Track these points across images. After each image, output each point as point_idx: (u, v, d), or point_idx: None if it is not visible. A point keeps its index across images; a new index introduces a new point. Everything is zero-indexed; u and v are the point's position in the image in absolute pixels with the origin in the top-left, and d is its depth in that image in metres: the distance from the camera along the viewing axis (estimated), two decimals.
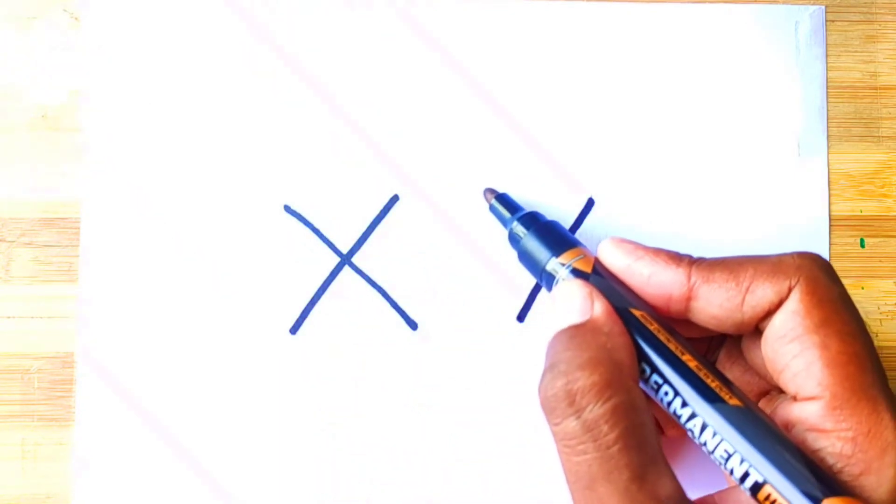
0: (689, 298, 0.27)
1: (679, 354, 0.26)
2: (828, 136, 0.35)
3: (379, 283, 0.34)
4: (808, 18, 0.36)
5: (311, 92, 0.34)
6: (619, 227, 0.34)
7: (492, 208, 0.33)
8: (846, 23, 0.36)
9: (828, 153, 0.35)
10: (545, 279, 0.30)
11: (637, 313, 0.27)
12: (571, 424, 0.25)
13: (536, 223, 0.31)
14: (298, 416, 0.33)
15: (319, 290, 0.34)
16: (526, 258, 0.31)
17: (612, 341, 0.26)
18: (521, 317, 0.34)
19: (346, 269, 0.34)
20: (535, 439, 0.33)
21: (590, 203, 0.35)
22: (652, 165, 0.35)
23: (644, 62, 0.35)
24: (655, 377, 0.26)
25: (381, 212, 0.34)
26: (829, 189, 0.35)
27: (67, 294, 0.33)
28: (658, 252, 0.28)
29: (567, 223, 0.34)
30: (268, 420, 0.33)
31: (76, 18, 0.34)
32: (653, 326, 0.27)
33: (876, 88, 0.36)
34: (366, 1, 0.35)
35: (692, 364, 0.26)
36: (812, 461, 0.24)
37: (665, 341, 0.27)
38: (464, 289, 0.34)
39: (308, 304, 0.34)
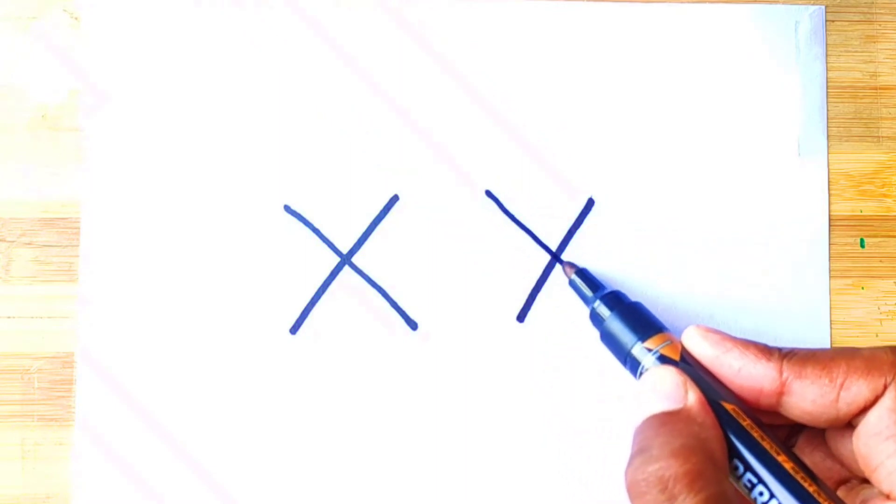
0: (780, 393, 0.26)
1: (774, 455, 0.26)
2: (828, 136, 0.35)
3: (379, 283, 0.34)
4: (808, 18, 0.36)
5: (311, 92, 0.34)
6: (620, 228, 0.34)
7: (572, 283, 0.33)
8: (846, 23, 0.36)
9: (828, 153, 0.35)
10: (630, 363, 0.29)
11: (729, 407, 0.27)
12: None
13: (621, 304, 0.31)
14: (298, 415, 0.33)
15: (319, 290, 0.34)
16: (609, 340, 0.30)
17: (706, 432, 0.26)
18: (521, 317, 0.34)
19: (346, 269, 0.34)
20: (535, 439, 0.33)
21: (590, 203, 0.35)
22: (652, 165, 0.35)
23: (644, 62, 0.35)
24: (749, 476, 0.26)
25: (381, 212, 0.34)
26: (829, 189, 0.35)
27: (67, 294, 0.33)
28: (747, 344, 0.27)
29: (567, 223, 0.34)
30: (268, 420, 0.33)
31: (76, 18, 0.34)
32: (745, 422, 0.26)
33: (876, 88, 0.36)
34: (366, 2, 0.35)
35: (788, 466, 0.26)
36: None
37: (759, 439, 0.26)
38: (464, 289, 0.34)
39: (308, 304, 0.34)
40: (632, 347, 0.29)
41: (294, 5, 0.35)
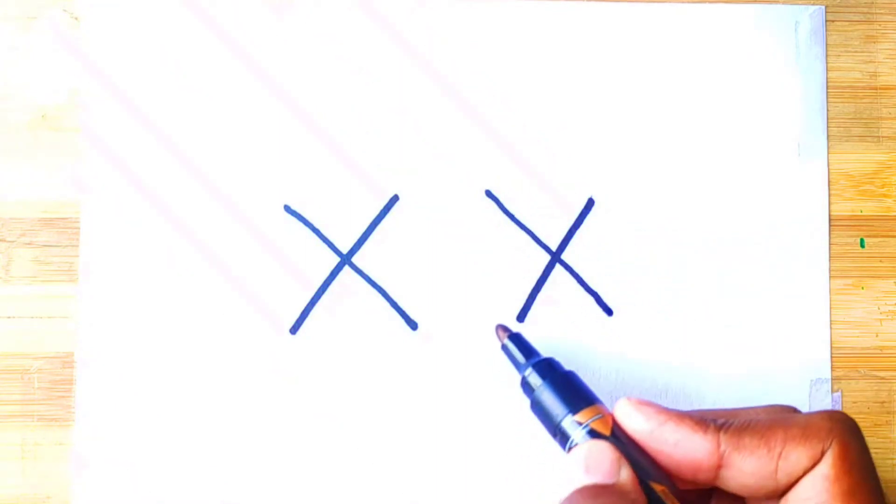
0: (719, 466, 0.26)
1: None
2: (828, 137, 0.35)
3: (379, 283, 0.34)
4: (808, 18, 0.36)
5: (311, 92, 0.34)
6: (620, 228, 0.34)
7: (504, 348, 0.31)
8: (846, 23, 0.36)
9: (828, 153, 0.35)
10: (559, 436, 0.28)
11: (658, 488, 0.26)
12: None
13: (553, 373, 0.29)
14: (298, 415, 0.33)
15: (319, 290, 0.34)
16: (539, 410, 0.29)
17: None
18: (520, 317, 0.34)
19: (346, 269, 0.34)
20: (535, 439, 0.33)
21: (590, 203, 0.35)
22: (652, 165, 0.35)
23: (644, 62, 0.35)
24: None
25: (381, 212, 0.34)
26: (829, 189, 0.35)
27: (67, 294, 0.33)
28: (682, 417, 0.26)
29: (567, 223, 0.34)
30: (268, 420, 0.33)
31: (76, 18, 0.34)
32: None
33: (876, 88, 0.36)
34: (366, 1, 0.35)
35: None
36: None
37: None
38: (464, 289, 0.34)
39: (308, 304, 0.34)
40: (562, 420, 0.28)
41: (294, 5, 0.35)
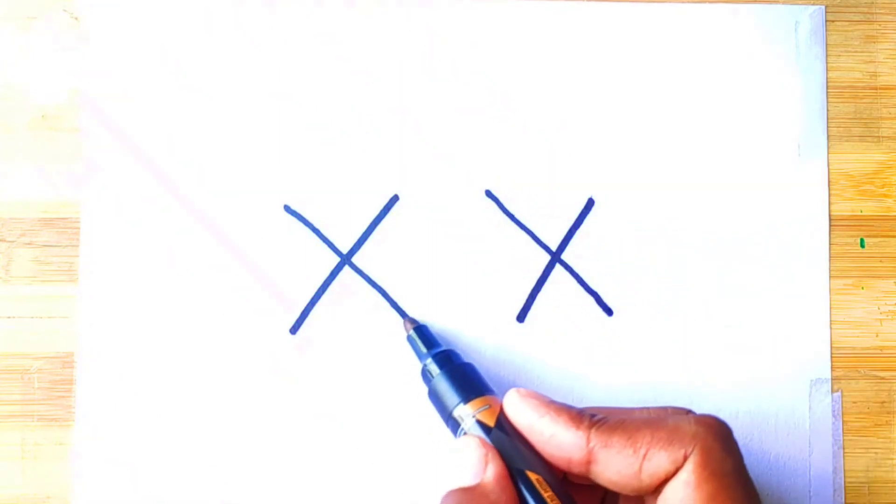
0: (588, 462, 0.26)
1: None
2: (828, 137, 0.35)
3: (379, 283, 0.34)
4: (808, 18, 0.36)
5: (311, 92, 0.34)
6: (620, 228, 0.34)
7: (409, 339, 0.32)
8: (846, 23, 0.36)
9: (828, 153, 0.35)
10: (451, 424, 0.29)
11: (533, 477, 0.27)
12: None
13: (450, 364, 0.30)
14: (298, 415, 0.33)
15: (319, 290, 0.34)
16: (435, 398, 0.30)
17: None
18: (521, 317, 0.34)
19: (346, 269, 0.34)
20: None
21: (590, 203, 0.35)
22: (652, 165, 0.35)
23: (644, 62, 0.35)
24: None
25: (381, 212, 0.34)
26: (829, 189, 0.35)
27: (67, 294, 0.33)
28: (560, 411, 0.27)
29: (567, 223, 0.34)
30: (267, 420, 0.33)
31: (76, 18, 0.34)
32: (547, 493, 0.26)
33: (876, 88, 0.36)
34: (366, 1, 0.35)
35: None
36: None
37: None
38: (464, 289, 0.34)
39: (308, 304, 0.34)
40: (453, 409, 0.29)
41: (294, 5, 0.35)
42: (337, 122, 0.34)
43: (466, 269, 0.34)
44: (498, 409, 0.28)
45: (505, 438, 0.28)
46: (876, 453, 0.34)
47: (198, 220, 0.34)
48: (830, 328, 0.34)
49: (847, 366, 0.34)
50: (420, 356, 0.32)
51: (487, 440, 0.28)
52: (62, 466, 0.33)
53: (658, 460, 0.25)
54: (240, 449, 0.33)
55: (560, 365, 0.34)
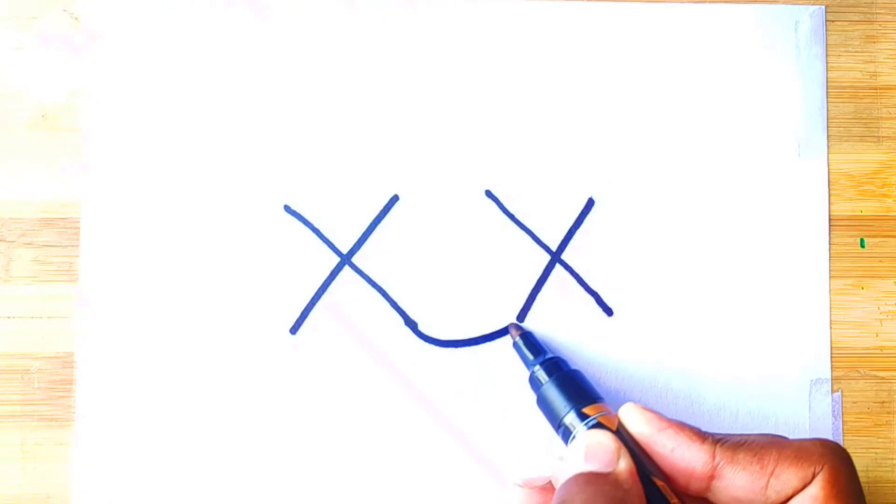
0: (711, 477, 0.27)
1: None
2: (828, 136, 0.35)
3: (379, 283, 0.34)
4: (808, 18, 0.36)
5: (311, 92, 0.34)
6: (620, 228, 0.34)
7: (515, 346, 0.33)
8: (846, 23, 0.36)
9: (828, 153, 0.35)
10: (562, 430, 0.29)
11: (658, 483, 0.27)
12: None
13: (559, 371, 0.31)
14: (298, 415, 0.33)
15: (319, 290, 0.34)
16: (545, 405, 0.30)
17: (629, 499, 0.26)
18: (520, 317, 0.34)
19: (346, 269, 0.34)
20: (536, 439, 0.33)
21: (590, 203, 0.35)
22: (652, 165, 0.35)
23: (644, 62, 0.35)
24: None
25: (381, 212, 0.34)
26: (829, 189, 0.35)
27: (67, 294, 0.33)
28: (682, 426, 0.28)
29: (567, 223, 0.34)
30: (267, 420, 0.33)
31: (76, 18, 0.34)
32: (673, 500, 0.27)
33: (876, 88, 0.36)
34: (365, 1, 0.35)
35: None
36: None
37: None
38: (464, 289, 0.34)
39: (308, 304, 0.34)
40: (565, 415, 0.29)
41: (294, 5, 0.35)
42: (337, 122, 0.34)
43: (466, 269, 0.34)
44: (615, 418, 0.28)
45: (631, 445, 0.28)
46: (876, 453, 0.34)
47: (198, 220, 0.34)
48: (830, 328, 0.34)
49: (847, 366, 0.34)
50: (527, 363, 0.32)
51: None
52: (62, 466, 0.33)
53: (786, 477, 0.26)
54: (240, 449, 0.33)
55: None
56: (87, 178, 0.34)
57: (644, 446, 0.28)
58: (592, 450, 0.27)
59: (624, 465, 0.27)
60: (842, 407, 0.34)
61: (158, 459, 0.33)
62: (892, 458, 0.34)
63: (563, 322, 0.34)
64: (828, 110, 0.35)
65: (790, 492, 0.26)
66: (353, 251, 0.34)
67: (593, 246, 0.34)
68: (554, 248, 0.34)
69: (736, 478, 0.26)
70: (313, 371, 0.33)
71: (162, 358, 0.33)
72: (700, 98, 0.35)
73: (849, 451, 0.34)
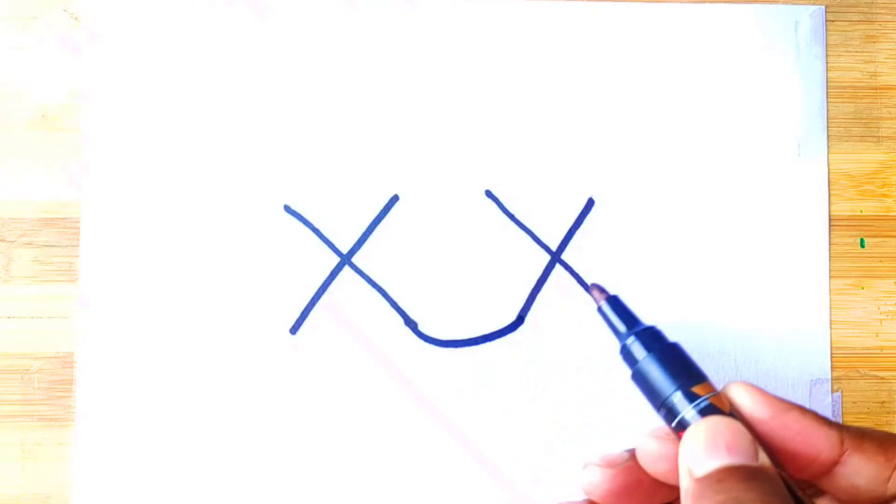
0: (836, 463, 0.26)
1: None
2: (828, 136, 0.35)
3: (379, 283, 0.34)
4: (808, 18, 0.36)
5: (311, 92, 0.34)
6: (620, 228, 0.34)
7: (600, 311, 0.29)
8: (846, 23, 0.36)
9: (828, 153, 0.35)
10: (664, 410, 0.27)
11: (780, 474, 0.25)
12: None
13: (659, 343, 0.27)
14: (298, 415, 0.33)
15: (319, 290, 0.34)
16: (642, 382, 0.27)
17: (783, 494, 0.24)
18: (520, 317, 0.34)
19: (346, 269, 0.34)
20: (536, 439, 0.33)
21: (590, 203, 0.35)
22: (652, 165, 0.35)
23: (644, 62, 0.35)
24: None
25: (381, 212, 0.34)
26: (829, 189, 0.35)
27: (67, 294, 0.33)
28: (804, 408, 0.26)
29: (567, 223, 0.34)
30: (267, 420, 0.33)
31: (76, 18, 0.34)
32: (799, 493, 0.25)
33: (876, 88, 0.36)
34: (365, 1, 0.35)
35: None
36: None
37: None
38: (464, 289, 0.34)
39: (308, 304, 0.34)
40: (671, 394, 0.26)
41: (294, 6, 0.35)
42: (337, 122, 0.34)
43: (466, 269, 0.34)
44: (725, 399, 0.26)
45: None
46: None
47: (198, 220, 0.34)
48: (830, 328, 0.34)
49: (847, 366, 0.34)
50: (618, 335, 0.28)
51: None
52: (62, 466, 0.33)
53: None
54: (240, 449, 0.33)
55: (561, 365, 0.34)
56: (87, 178, 0.34)
57: (761, 429, 0.26)
58: (728, 440, 0.25)
59: (763, 458, 0.25)
60: (842, 407, 0.34)
61: (158, 459, 0.33)
62: None
63: (563, 322, 0.34)
64: (828, 110, 0.35)
65: None
66: (353, 251, 0.34)
67: (593, 246, 0.34)
68: (554, 248, 0.34)
69: (861, 466, 0.26)
70: (313, 371, 0.33)
71: (162, 358, 0.33)
72: (700, 98, 0.35)
73: None
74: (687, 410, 0.26)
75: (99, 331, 0.33)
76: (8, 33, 0.34)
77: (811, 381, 0.34)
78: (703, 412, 0.26)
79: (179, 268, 0.34)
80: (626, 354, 0.28)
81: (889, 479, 0.26)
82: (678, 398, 0.26)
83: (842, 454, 0.26)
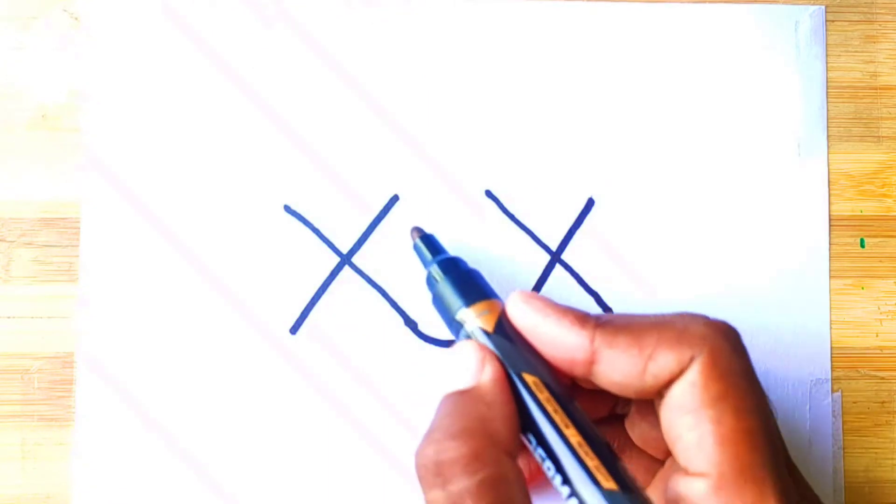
0: (592, 362, 0.26)
1: (563, 427, 0.26)
2: (828, 136, 0.35)
3: (379, 283, 0.34)
4: (808, 18, 0.36)
5: (311, 92, 0.34)
6: (620, 228, 0.34)
7: (415, 247, 0.32)
8: (846, 23, 0.36)
9: (828, 153, 0.35)
10: (454, 328, 0.29)
11: (530, 379, 0.26)
12: (437, 495, 0.24)
13: (456, 269, 0.30)
14: (298, 415, 0.33)
15: (319, 290, 0.34)
16: (438, 303, 0.30)
17: (492, 412, 0.25)
18: None
19: (346, 269, 0.34)
20: None
21: (590, 203, 0.35)
22: (652, 165, 0.35)
23: (644, 62, 0.35)
24: (540, 450, 0.26)
25: (381, 212, 0.34)
26: (829, 189, 0.35)
27: (67, 294, 0.33)
28: (565, 312, 0.27)
29: (567, 223, 0.34)
30: (267, 420, 0.33)
31: (76, 18, 0.34)
32: (542, 395, 0.26)
33: (876, 88, 0.36)
34: (365, 1, 0.35)
35: (574, 440, 0.25)
36: None
37: (552, 412, 0.26)
38: None
39: (308, 304, 0.34)
40: (456, 312, 0.29)
41: (294, 5, 0.35)
42: (337, 122, 0.34)
43: None
44: (498, 314, 0.28)
45: (506, 343, 0.27)
46: (876, 453, 0.34)
47: (198, 220, 0.34)
48: (830, 328, 0.34)
49: (847, 366, 0.34)
50: (425, 263, 0.31)
51: (489, 344, 0.27)
52: (62, 466, 0.33)
53: (664, 361, 0.25)
54: (240, 449, 0.33)
55: None
56: (87, 178, 0.34)
57: (529, 337, 0.27)
58: (458, 364, 0.27)
59: (487, 375, 0.26)
60: (842, 407, 0.34)
61: (158, 459, 0.33)
62: (892, 458, 0.34)
63: None
64: (828, 110, 0.35)
65: (667, 376, 0.25)
66: (353, 251, 0.34)
67: (593, 246, 0.34)
68: (554, 248, 0.34)
69: (614, 362, 0.25)
70: (313, 371, 0.33)
71: (162, 358, 0.33)
72: (700, 98, 0.35)
73: (849, 451, 0.34)
74: (467, 325, 0.28)
75: (99, 331, 0.33)
76: (8, 33, 0.34)
77: (811, 381, 0.34)
78: (479, 330, 0.28)
79: (179, 268, 0.34)
80: (430, 281, 0.30)
81: (644, 370, 0.25)
82: (461, 315, 0.29)
83: (594, 353, 0.26)
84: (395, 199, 0.34)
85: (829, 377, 0.34)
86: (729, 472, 0.24)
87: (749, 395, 0.25)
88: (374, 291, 0.34)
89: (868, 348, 0.35)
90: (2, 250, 0.34)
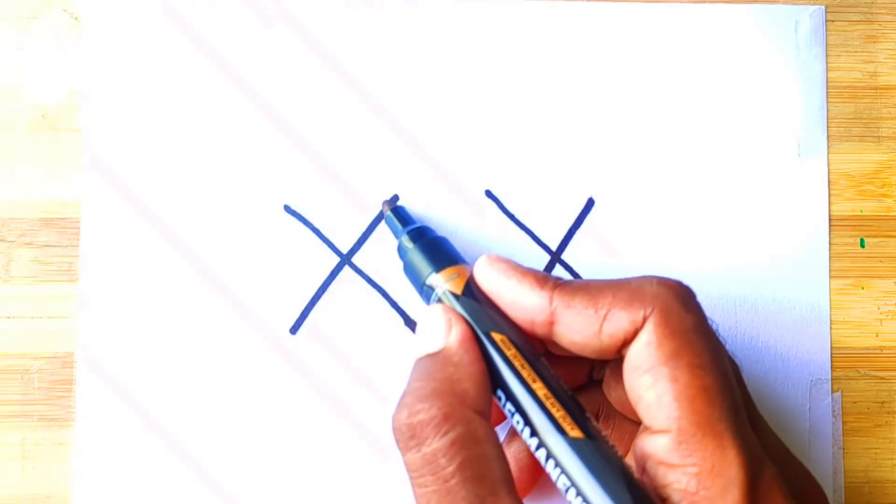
0: (551, 323, 0.26)
1: (530, 382, 0.26)
2: (828, 136, 0.35)
3: (379, 283, 0.34)
4: (808, 18, 0.36)
5: (311, 92, 0.34)
6: (620, 228, 0.34)
7: (387, 219, 0.32)
8: (846, 23, 0.36)
9: (828, 153, 0.35)
10: (425, 294, 0.30)
11: (498, 338, 0.27)
12: (413, 457, 0.25)
13: (424, 237, 0.31)
14: (298, 415, 0.33)
15: (319, 290, 0.34)
16: (409, 271, 0.30)
17: (460, 371, 0.26)
18: None
19: (346, 269, 0.34)
20: None
21: (590, 203, 0.35)
22: (652, 165, 0.35)
23: (644, 62, 0.35)
24: (509, 405, 0.26)
25: (382, 212, 0.34)
26: (829, 189, 0.35)
27: (67, 294, 0.33)
28: (526, 274, 0.27)
29: (567, 223, 0.34)
30: (267, 420, 0.33)
31: (76, 18, 0.34)
32: (510, 352, 0.27)
33: (876, 88, 0.36)
34: (365, 1, 0.35)
35: (541, 393, 0.26)
36: (651, 498, 0.24)
37: (519, 367, 0.26)
38: None
39: (308, 304, 0.34)
40: (426, 278, 0.29)
41: (293, 5, 0.35)
42: (337, 122, 0.34)
43: None
44: (467, 277, 0.29)
45: (474, 305, 0.28)
46: (876, 453, 0.34)
47: (198, 220, 0.34)
48: (830, 328, 0.34)
49: (847, 366, 0.34)
50: (396, 233, 0.32)
51: (457, 306, 0.28)
52: (62, 466, 0.33)
53: (617, 320, 0.25)
54: (240, 449, 0.33)
55: None
56: (87, 178, 0.34)
57: (494, 300, 0.28)
58: (426, 329, 0.27)
59: (454, 336, 0.27)
60: (842, 407, 0.34)
61: (158, 459, 0.33)
62: (892, 458, 0.34)
63: None
64: (828, 110, 0.35)
65: (622, 335, 0.25)
66: (353, 251, 0.34)
67: (593, 246, 0.34)
68: (554, 248, 0.34)
69: (572, 322, 0.26)
70: (313, 371, 0.33)
71: (162, 358, 0.33)
72: (700, 98, 0.35)
73: (849, 451, 0.34)
74: (437, 290, 0.29)
75: (99, 331, 0.33)
76: (8, 33, 0.34)
77: (811, 381, 0.34)
78: (448, 294, 0.28)
79: (179, 267, 0.34)
80: (401, 250, 0.31)
81: (600, 330, 0.26)
82: (431, 280, 0.29)
83: (552, 314, 0.26)
84: (394, 199, 0.34)
85: (829, 377, 0.34)
86: (687, 426, 0.24)
87: (704, 351, 0.25)
88: (374, 291, 0.34)
89: (868, 348, 0.35)
90: (2, 250, 0.34)
